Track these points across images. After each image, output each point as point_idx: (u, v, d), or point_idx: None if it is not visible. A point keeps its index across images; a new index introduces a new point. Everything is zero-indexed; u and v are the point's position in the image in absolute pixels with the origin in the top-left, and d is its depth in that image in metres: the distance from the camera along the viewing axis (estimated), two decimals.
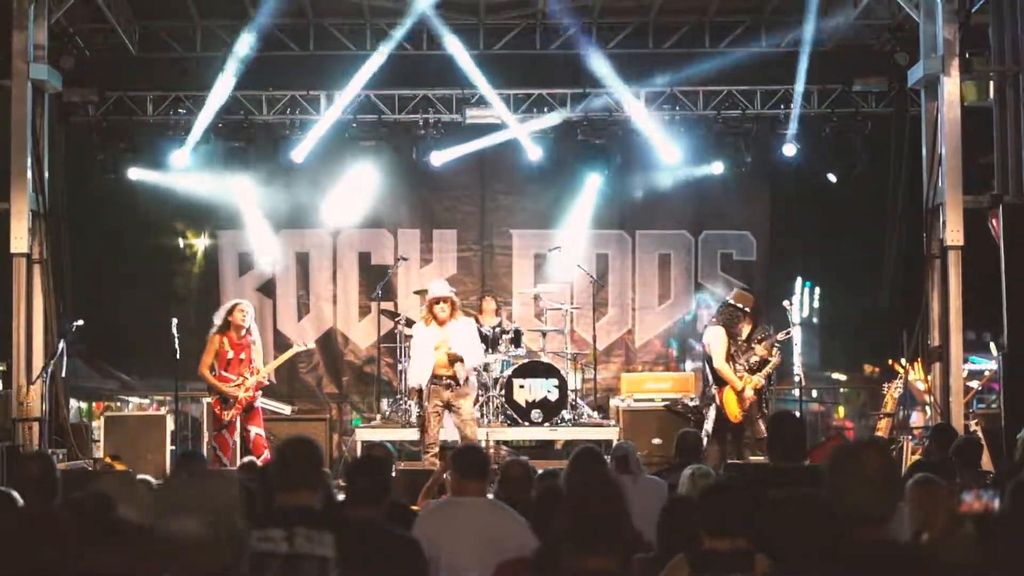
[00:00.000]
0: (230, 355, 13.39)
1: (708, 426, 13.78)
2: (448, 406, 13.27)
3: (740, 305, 13.96)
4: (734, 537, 5.33)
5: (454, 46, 16.29)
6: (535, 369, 15.42)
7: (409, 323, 16.17)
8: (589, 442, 14.31)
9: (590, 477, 4.85)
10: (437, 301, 13.23)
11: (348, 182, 17.31)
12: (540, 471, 8.19)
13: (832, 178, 16.80)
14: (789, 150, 16.68)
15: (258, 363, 13.51)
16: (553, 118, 16.92)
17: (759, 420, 13.94)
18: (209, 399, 13.80)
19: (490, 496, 6.98)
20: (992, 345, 15.27)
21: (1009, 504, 5.70)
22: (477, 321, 15.94)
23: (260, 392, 13.62)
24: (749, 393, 13.65)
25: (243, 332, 13.43)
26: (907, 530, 6.29)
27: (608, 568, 4.36)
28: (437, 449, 12.74)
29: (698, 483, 7.15)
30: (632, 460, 8.76)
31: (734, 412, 13.65)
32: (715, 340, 13.89)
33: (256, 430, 13.42)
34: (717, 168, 17.12)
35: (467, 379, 13.38)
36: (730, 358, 13.80)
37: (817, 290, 14.81)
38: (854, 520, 3.88)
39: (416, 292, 17.03)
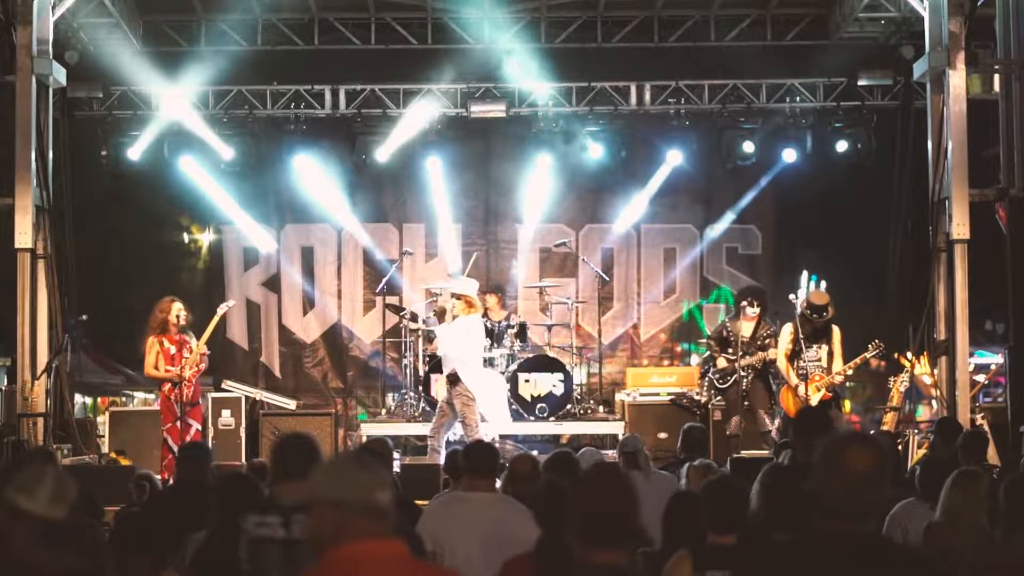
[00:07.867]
0: (172, 350, 13.42)
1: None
2: None
3: (814, 303, 13.72)
4: (738, 532, 5.31)
5: (461, 41, 16.33)
6: (540, 363, 15.40)
7: (414, 317, 16.13)
8: (594, 436, 14.35)
9: (600, 471, 4.81)
10: None
11: (352, 176, 17.31)
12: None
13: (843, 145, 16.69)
14: (789, 155, 16.73)
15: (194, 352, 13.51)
16: (559, 111, 16.92)
17: (763, 413, 13.90)
18: (158, 396, 13.90)
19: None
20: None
21: (1004, 501, 5.68)
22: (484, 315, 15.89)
23: (201, 373, 13.60)
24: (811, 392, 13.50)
25: (180, 328, 13.47)
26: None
27: (615, 562, 4.34)
28: None
29: (693, 478, 7.10)
30: (641, 456, 8.72)
31: (789, 407, 13.57)
32: (780, 336, 13.91)
33: (196, 425, 13.53)
34: (723, 162, 17.07)
35: None
36: (794, 356, 13.72)
37: (823, 284, 14.74)
38: (835, 514, 3.85)
39: (424, 288, 16.98)
